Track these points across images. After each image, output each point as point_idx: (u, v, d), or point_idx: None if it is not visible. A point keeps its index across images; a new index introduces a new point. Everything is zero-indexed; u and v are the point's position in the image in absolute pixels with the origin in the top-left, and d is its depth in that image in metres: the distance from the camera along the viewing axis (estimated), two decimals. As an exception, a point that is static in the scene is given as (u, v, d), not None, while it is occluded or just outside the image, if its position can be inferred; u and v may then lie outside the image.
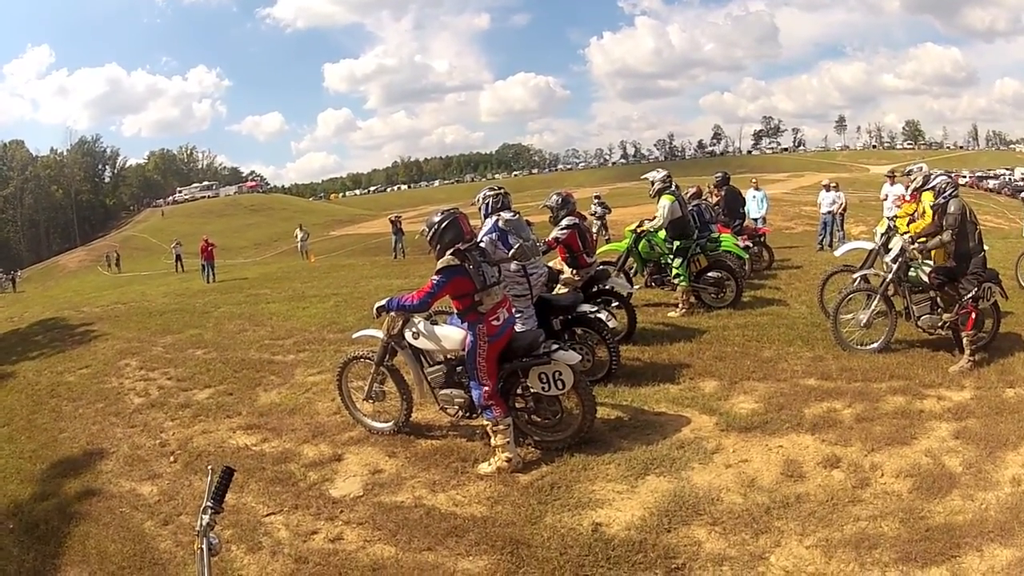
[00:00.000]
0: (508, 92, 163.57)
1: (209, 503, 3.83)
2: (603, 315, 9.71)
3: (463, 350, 7.99)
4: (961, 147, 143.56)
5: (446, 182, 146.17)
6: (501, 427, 7.83)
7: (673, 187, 14.57)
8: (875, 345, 10.69)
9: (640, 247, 14.47)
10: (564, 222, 11.89)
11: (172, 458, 10.11)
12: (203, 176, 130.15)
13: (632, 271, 15.07)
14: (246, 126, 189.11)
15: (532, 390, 7.99)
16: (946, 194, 10.32)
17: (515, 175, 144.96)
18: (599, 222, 30.55)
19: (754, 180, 26.41)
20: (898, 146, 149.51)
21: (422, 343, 8.49)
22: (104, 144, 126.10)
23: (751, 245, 18.33)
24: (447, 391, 8.47)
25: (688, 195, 17.51)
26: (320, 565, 6.82)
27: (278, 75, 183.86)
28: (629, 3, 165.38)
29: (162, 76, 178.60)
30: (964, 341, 9.95)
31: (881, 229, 12.90)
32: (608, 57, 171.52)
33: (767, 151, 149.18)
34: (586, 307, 9.78)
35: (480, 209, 10.03)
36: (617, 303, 10.31)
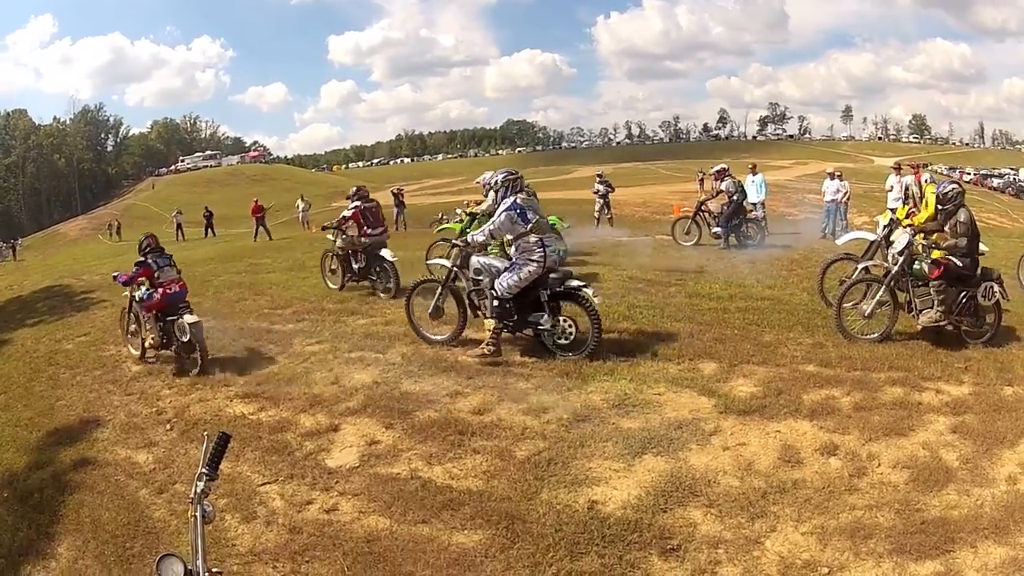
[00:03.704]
0: (514, 68, 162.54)
1: (204, 470, 3.81)
2: (588, 290, 10.17)
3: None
4: (967, 144, 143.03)
5: (449, 156, 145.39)
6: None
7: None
8: (875, 335, 10.73)
9: (472, 228, 14.66)
10: (354, 203, 16.00)
11: (168, 426, 10.10)
12: (206, 146, 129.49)
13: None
14: (249, 96, 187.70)
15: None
16: (956, 201, 10.51)
17: (519, 151, 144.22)
18: (601, 200, 30.28)
19: (752, 165, 26.26)
20: (904, 139, 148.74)
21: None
22: (107, 113, 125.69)
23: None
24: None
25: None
26: (314, 535, 6.85)
27: (282, 46, 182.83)
28: None
29: (166, 46, 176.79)
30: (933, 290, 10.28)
31: (884, 220, 12.94)
32: (615, 37, 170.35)
33: (772, 137, 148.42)
34: (574, 282, 10.24)
35: (495, 189, 10.95)
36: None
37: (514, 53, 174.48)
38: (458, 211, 19.84)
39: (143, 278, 12.20)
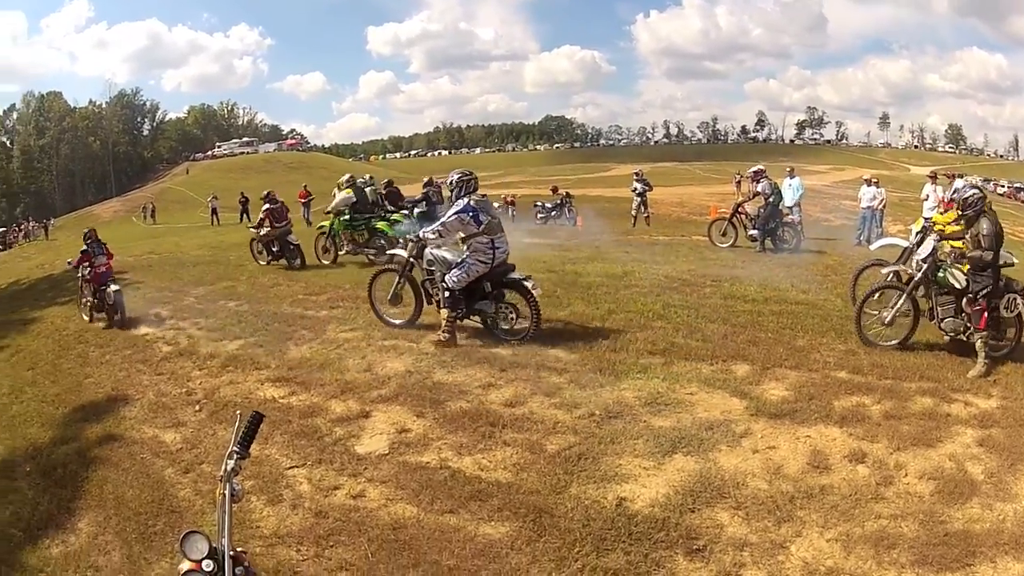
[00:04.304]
0: (553, 64, 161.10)
1: (235, 448, 3.91)
2: (528, 282, 11.01)
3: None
4: (1001, 156, 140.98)
5: (487, 150, 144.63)
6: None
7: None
8: (894, 342, 10.63)
9: (336, 225, 20.58)
10: (266, 205, 21.11)
11: (197, 407, 10.18)
12: (243, 132, 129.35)
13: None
14: (287, 85, 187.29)
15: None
16: (976, 207, 10.21)
17: (556, 147, 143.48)
18: (639, 198, 30.23)
19: (789, 168, 26.09)
20: (940, 148, 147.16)
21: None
22: (144, 98, 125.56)
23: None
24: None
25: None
26: (340, 521, 6.88)
27: (321, 36, 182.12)
28: None
29: (203, 32, 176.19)
30: (978, 343, 9.84)
31: (917, 227, 12.83)
32: (655, 35, 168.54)
33: (809, 142, 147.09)
34: (515, 275, 11.17)
35: (451, 190, 11.54)
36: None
37: (554, 49, 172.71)
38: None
39: (85, 262, 16.75)
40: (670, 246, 21.20)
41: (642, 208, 30.27)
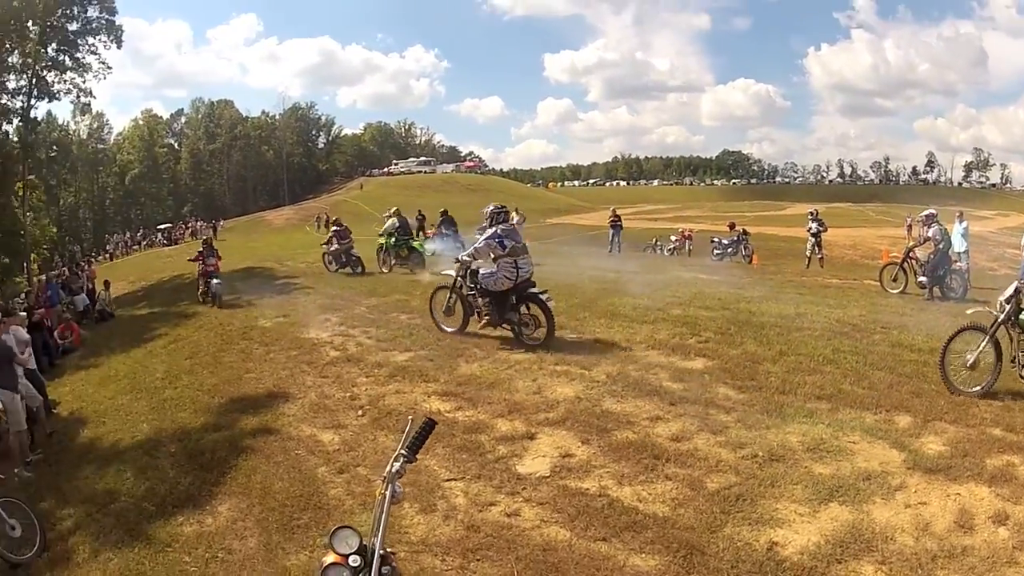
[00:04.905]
0: (728, 97, 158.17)
1: (403, 451, 3.98)
2: (544, 296, 13.06)
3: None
4: None
5: (665, 183, 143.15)
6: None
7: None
8: (977, 389, 10.02)
9: (387, 244, 26.57)
10: (333, 228, 28.12)
11: (360, 412, 10.47)
12: (420, 152, 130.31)
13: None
14: (465, 108, 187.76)
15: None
16: None
17: (733, 183, 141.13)
18: (814, 239, 29.72)
19: (959, 212, 25.24)
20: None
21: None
22: (319, 112, 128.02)
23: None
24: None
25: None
26: (491, 536, 6.96)
27: (497, 61, 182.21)
28: (845, 14, 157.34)
29: (378, 52, 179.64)
30: None
31: None
32: (826, 69, 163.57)
33: (976, 185, 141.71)
34: (535, 290, 13.12)
35: (486, 219, 14.12)
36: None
37: (728, 81, 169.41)
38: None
39: (200, 260, 23.79)
40: (842, 289, 20.66)
41: (816, 249, 29.69)
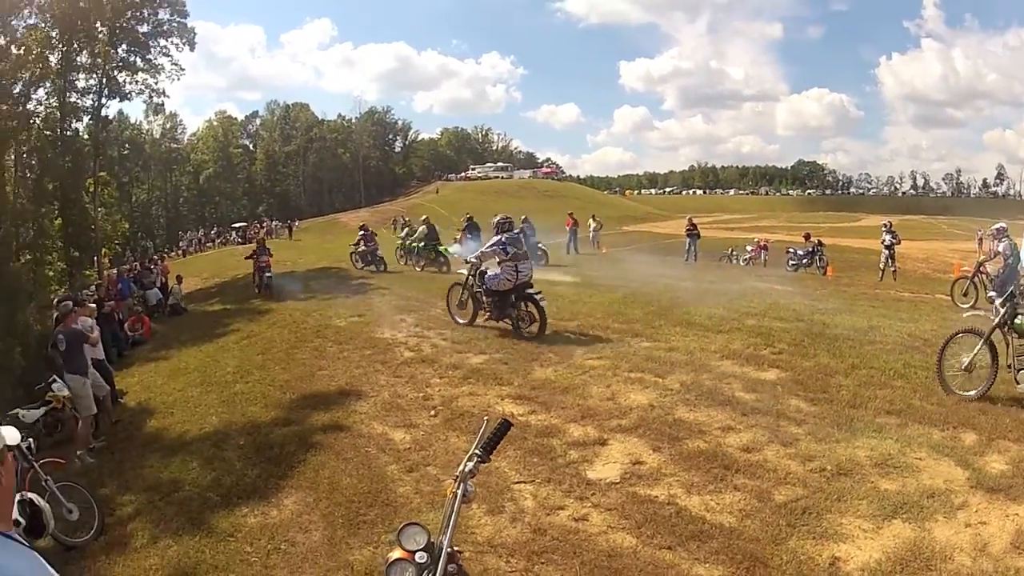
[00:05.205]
0: (803, 106, 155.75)
1: (477, 451, 4.02)
2: (539, 296, 14.99)
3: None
4: None
5: (741, 192, 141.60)
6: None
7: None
8: (972, 393, 10.20)
9: (419, 248, 30.87)
10: (361, 233, 32.58)
11: (433, 412, 10.63)
12: (497, 157, 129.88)
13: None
14: (541, 114, 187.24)
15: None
16: None
17: (808, 193, 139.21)
18: (887, 251, 29.45)
19: None
20: None
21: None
22: (395, 116, 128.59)
23: None
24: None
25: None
26: (557, 540, 7.06)
27: (573, 68, 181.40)
28: (914, 24, 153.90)
29: (453, 58, 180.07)
30: None
31: None
32: (898, 79, 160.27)
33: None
34: (531, 291, 15.04)
35: (494, 227, 16.06)
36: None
37: (802, 90, 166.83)
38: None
39: (253, 256, 28.07)
40: (914, 303, 20.42)
41: (889, 262, 29.48)
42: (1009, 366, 10.19)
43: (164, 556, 8.02)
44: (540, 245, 32.15)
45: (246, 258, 29.87)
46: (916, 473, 8.05)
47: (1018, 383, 10.08)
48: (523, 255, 15.35)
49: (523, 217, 31.96)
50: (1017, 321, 10.10)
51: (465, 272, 16.15)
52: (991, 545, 6.86)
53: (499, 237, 15.31)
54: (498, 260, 15.12)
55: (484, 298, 15.52)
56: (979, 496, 7.65)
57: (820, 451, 8.50)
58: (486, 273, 15.38)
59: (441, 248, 30.19)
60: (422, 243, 30.84)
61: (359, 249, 31.48)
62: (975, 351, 10.25)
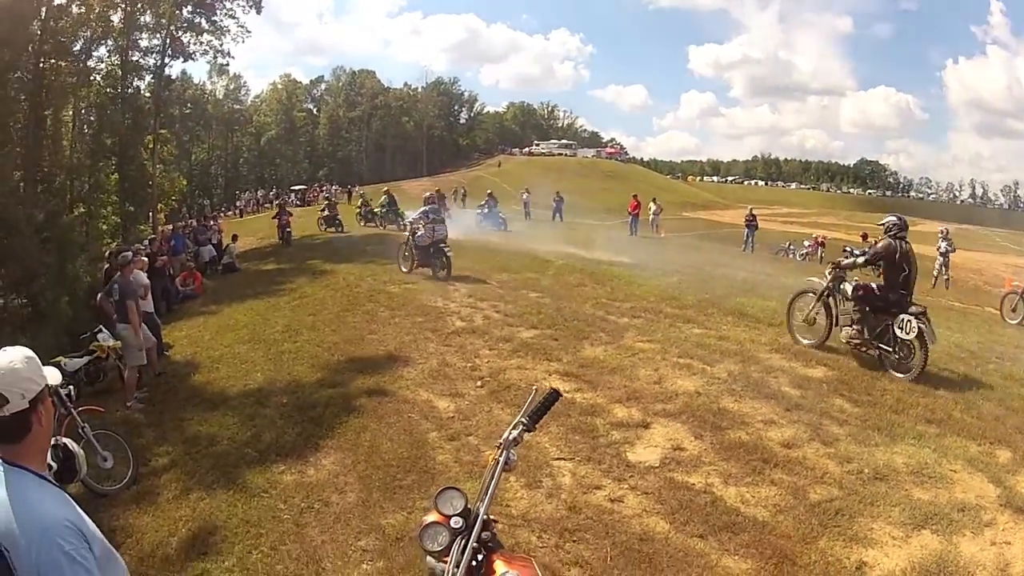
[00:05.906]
0: (869, 104, 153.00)
1: (524, 419, 4.15)
2: (447, 249, 19.83)
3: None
4: None
5: (802, 187, 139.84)
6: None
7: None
8: (811, 341, 12.64)
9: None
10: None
11: (479, 383, 10.78)
12: (562, 134, 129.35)
13: None
14: (609, 94, 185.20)
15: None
16: (889, 233, 11.93)
17: (868, 193, 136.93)
18: (942, 258, 29.60)
19: None
20: None
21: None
22: (461, 88, 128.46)
23: None
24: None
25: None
26: (591, 519, 7.17)
27: (642, 49, 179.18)
28: (981, 29, 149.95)
29: (523, 33, 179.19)
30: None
31: None
32: (962, 84, 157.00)
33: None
34: (443, 247, 19.85)
35: (424, 202, 21.56)
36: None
37: (869, 88, 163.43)
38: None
39: (276, 217, 35.17)
40: (963, 314, 20.26)
41: (943, 270, 29.48)
42: (837, 322, 12.38)
43: (195, 508, 8.21)
44: (500, 215, 40.47)
45: (273, 218, 37.13)
46: (950, 485, 8.06)
47: (841, 338, 12.15)
48: (440, 220, 20.56)
49: (488, 191, 44.35)
50: (843, 286, 12.30)
51: (405, 233, 22.09)
52: (1012, 566, 6.88)
53: (424, 209, 20.82)
54: (423, 224, 20.12)
55: (414, 251, 20.41)
56: (1007, 515, 7.66)
57: (859, 453, 8.53)
58: (416, 232, 20.32)
59: (400, 212, 37.02)
60: (384, 208, 38.98)
61: (324, 215, 39.64)
62: (812, 308, 12.76)
